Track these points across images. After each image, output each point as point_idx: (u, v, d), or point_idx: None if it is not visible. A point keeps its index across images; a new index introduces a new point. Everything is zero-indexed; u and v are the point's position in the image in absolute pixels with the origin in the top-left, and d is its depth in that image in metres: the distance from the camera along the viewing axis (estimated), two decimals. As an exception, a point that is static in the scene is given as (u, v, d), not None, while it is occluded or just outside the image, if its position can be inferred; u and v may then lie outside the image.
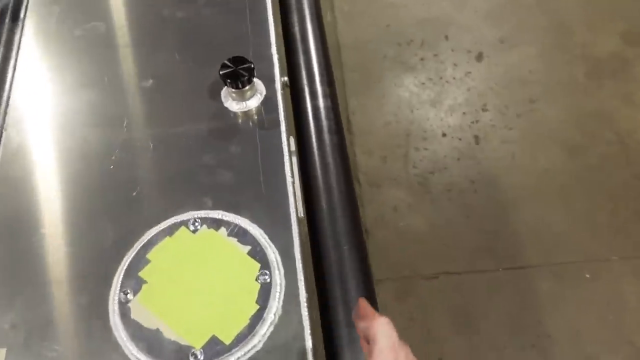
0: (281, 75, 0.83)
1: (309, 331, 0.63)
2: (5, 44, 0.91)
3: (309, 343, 0.62)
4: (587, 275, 1.49)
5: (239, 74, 0.76)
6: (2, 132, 0.79)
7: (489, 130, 1.73)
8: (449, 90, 1.85)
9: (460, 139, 1.70)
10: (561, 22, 2.05)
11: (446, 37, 1.97)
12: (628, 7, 2.05)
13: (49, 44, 0.89)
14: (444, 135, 1.72)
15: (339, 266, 0.69)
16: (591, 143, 1.72)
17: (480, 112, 1.78)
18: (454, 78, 1.87)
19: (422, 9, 2.05)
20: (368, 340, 0.52)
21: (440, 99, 1.83)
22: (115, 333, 0.63)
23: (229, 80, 0.76)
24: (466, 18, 2.03)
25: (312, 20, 0.94)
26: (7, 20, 0.96)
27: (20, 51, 0.89)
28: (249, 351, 0.61)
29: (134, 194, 0.73)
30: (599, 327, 1.42)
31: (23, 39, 0.90)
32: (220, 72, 0.76)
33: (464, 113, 1.78)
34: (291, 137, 0.78)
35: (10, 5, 0.97)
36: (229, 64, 0.76)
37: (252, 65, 0.76)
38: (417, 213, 1.59)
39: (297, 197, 0.71)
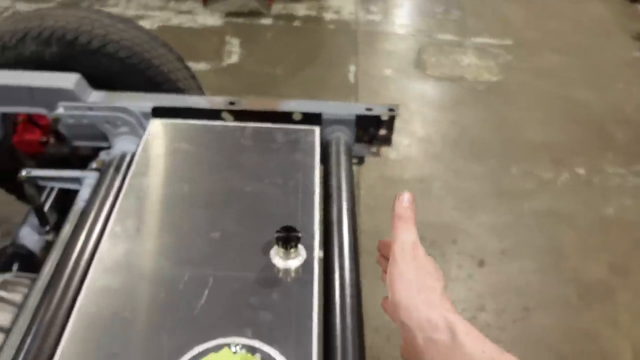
0: (320, 247, 1.06)
1: None
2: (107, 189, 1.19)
3: None
4: None
5: (289, 239, 1.00)
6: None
7: (484, 328, 1.90)
8: (451, 287, 2.06)
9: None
10: (558, 246, 2.32)
11: (454, 241, 2.24)
12: (616, 242, 2.33)
13: (144, 198, 1.16)
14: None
15: None
16: (579, 358, 1.86)
17: (478, 312, 1.96)
18: (457, 277, 2.10)
19: (434, 214, 2.36)
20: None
21: (443, 294, 2.03)
22: None
23: (280, 243, 1.00)
24: (473, 228, 2.32)
25: (347, 210, 1.21)
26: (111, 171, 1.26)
27: (119, 200, 1.15)
28: None
29: (194, 314, 0.92)
30: None
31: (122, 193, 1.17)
32: (275, 235, 1.00)
33: (463, 309, 1.96)
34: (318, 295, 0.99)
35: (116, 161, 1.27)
36: (282, 230, 1.01)
37: (300, 235, 1.00)
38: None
39: (318, 341, 0.90)
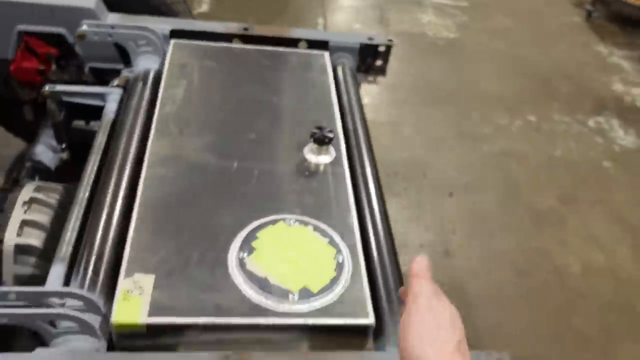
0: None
1: (368, 293, 0.93)
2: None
3: (367, 300, 0.92)
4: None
5: (324, 136, 1.13)
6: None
7: (456, 248, 2.13)
8: (424, 215, 2.27)
9: (434, 251, 2.09)
10: (514, 181, 2.59)
11: (424, 175, 2.45)
12: (563, 178, 2.62)
13: (180, 106, 1.26)
14: (421, 246, 2.10)
15: (380, 257, 1.02)
16: (534, 270, 2.13)
17: (450, 234, 2.19)
18: (430, 206, 2.31)
19: (406, 151, 2.55)
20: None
21: (418, 220, 2.25)
22: (234, 278, 0.91)
23: (315, 139, 1.13)
24: (440, 164, 2.54)
25: (360, 120, 1.36)
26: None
27: (157, 107, 1.24)
28: (327, 300, 0.90)
29: (246, 197, 1.05)
30: None
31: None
32: (311, 133, 1.13)
33: (436, 233, 2.18)
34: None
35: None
36: (318, 128, 1.14)
37: (332, 135, 1.14)
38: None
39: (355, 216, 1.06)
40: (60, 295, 0.83)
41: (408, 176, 2.41)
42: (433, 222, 2.23)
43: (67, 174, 1.45)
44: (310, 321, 0.87)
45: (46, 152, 1.53)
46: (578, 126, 3.12)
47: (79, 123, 1.58)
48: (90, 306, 0.83)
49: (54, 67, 1.74)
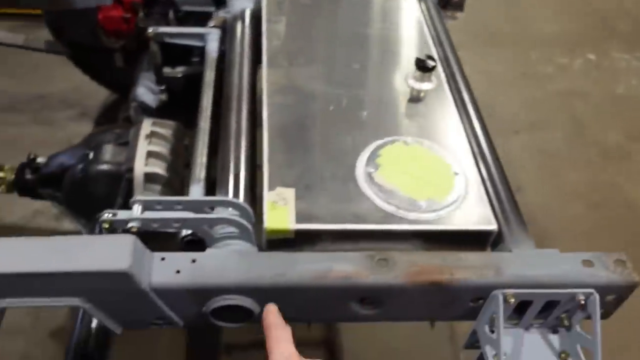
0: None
1: (487, 203, 1.00)
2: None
3: (488, 208, 0.99)
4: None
5: (427, 64, 1.19)
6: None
7: (526, 184, 2.17)
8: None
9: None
10: (579, 119, 2.59)
11: (490, 115, 2.47)
12: (628, 114, 2.61)
13: (285, 39, 1.32)
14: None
15: (489, 172, 1.09)
16: (606, 203, 2.17)
17: (519, 171, 2.23)
18: (497, 143, 2.34)
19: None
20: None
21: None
22: (364, 191, 0.99)
23: (419, 67, 1.19)
24: (505, 103, 2.56)
25: (449, 46, 1.40)
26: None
27: (263, 41, 1.31)
28: (452, 209, 0.98)
29: (361, 121, 1.12)
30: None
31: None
32: (416, 59, 1.19)
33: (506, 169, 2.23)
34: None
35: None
36: (424, 57, 1.19)
37: (435, 63, 1.19)
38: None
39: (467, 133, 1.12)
40: (223, 204, 0.92)
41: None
42: (502, 159, 2.26)
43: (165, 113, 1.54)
44: (441, 227, 0.95)
45: (147, 93, 1.62)
46: (638, 63, 3.07)
47: (166, 69, 1.66)
48: (244, 214, 0.92)
49: (141, 14, 1.82)
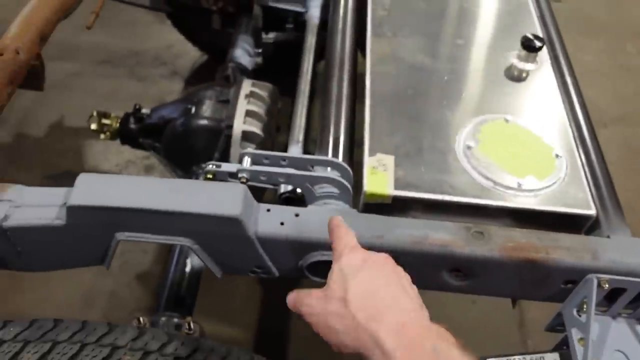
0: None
1: (587, 187, 0.99)
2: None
3: (587, 192, 0.98)
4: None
5: (534, 44, 1.17)
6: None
7: (612, 178, 2.10)
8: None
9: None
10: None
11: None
12: None
13: (388, 10, 1.33)
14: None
15: (588, 157, 1.08)
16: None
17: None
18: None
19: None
20: None
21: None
22: (463, 164, 1.00)
23: (526, 46, 1.17)
24: (597, 95, 2.46)
25: (554, 28, 1.37)
26: None
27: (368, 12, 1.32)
28: (551, 190, 0.97)
29: (462, 96, 1.13)
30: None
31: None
32: (522, 38, 1.17)
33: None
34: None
35: None
36: (531, 36, 1.17)
37: (542, 44, 1.17)
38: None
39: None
40: (325, 163, 0.96)
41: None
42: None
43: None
44: (538, 207, 0.95)
45: (244, 55, 1.67)
46: None
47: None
48: (345, 175, 0.95)
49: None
